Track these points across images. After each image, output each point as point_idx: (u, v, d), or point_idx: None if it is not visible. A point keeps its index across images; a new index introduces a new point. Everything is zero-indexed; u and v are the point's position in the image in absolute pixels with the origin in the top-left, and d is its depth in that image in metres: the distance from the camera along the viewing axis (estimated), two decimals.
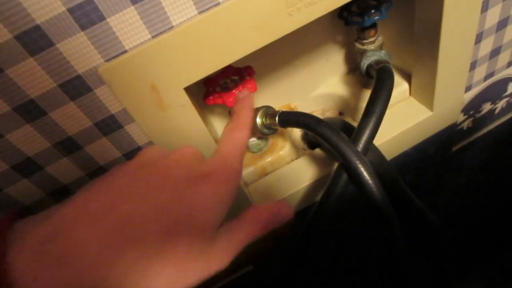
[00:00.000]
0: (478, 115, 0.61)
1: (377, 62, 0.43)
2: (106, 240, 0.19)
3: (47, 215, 0.20)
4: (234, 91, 0.40)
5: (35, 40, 0.27)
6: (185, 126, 0.35)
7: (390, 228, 0.37)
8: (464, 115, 0.59)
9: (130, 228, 0.20)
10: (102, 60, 0.29)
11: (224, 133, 0.29)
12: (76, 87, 0.30)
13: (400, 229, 0.38)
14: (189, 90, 0.34)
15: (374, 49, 0.45)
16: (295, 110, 0.54)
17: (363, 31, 0.45)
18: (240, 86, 0.40)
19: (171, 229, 0.21)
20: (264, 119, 0.42)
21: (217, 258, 0.22)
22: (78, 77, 0.30)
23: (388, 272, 0.40)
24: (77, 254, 0.19)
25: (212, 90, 0.42)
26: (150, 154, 0.25)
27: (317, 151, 0.49)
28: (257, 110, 0.43)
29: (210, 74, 0.33)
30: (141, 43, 0.30)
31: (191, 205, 0.22)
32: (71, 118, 0.32)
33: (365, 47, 0.46)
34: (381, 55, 0.44)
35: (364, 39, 0.46)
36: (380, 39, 0.46)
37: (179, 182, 0.23)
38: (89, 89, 0.31)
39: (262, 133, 0.43)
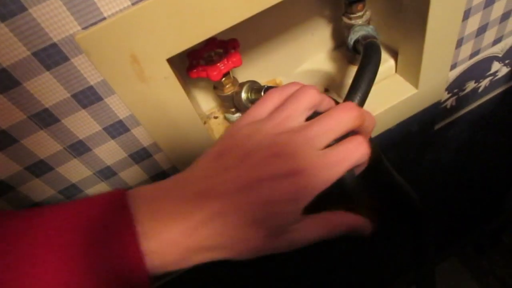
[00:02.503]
0: (461, 94, 0.62)
1: (365, 37, 0.42)
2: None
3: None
4: (218, 64, 0.39)
5: (5, 4, 0.25)
6: (168, 99, 0.34)
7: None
8: (448, 93, 0.59)
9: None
10: (79, 28, 0.28)
11: None
12: (52, 56, 0.29)
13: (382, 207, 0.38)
14: (172, 62, 0.33)
15: (361, 24, 0.44)
16: (280, 85, 0.53)
17: (350, 5, 0.44)
18: (225, 59, 0.39)
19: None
20: (249, 94, 0.41)
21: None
22: (54, 45, 0.28)
23: (371, 248, 0.41)
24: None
25: (196, 63, 0.41)
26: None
27: None
28: (242, 84, 0.42)
29: (194, 46, 0.32)
30: (121, 10, 0.28)
31: None
32: (47, 89, 0.30)
33: (352, 21, 0.45)
34: (369, 30, 0.43)
35: (352, 13, 0.45)
36: (368, 14, 0.45)
37: None
38: (65, 59, 0.29)
39: (247, 108, 0.43)
